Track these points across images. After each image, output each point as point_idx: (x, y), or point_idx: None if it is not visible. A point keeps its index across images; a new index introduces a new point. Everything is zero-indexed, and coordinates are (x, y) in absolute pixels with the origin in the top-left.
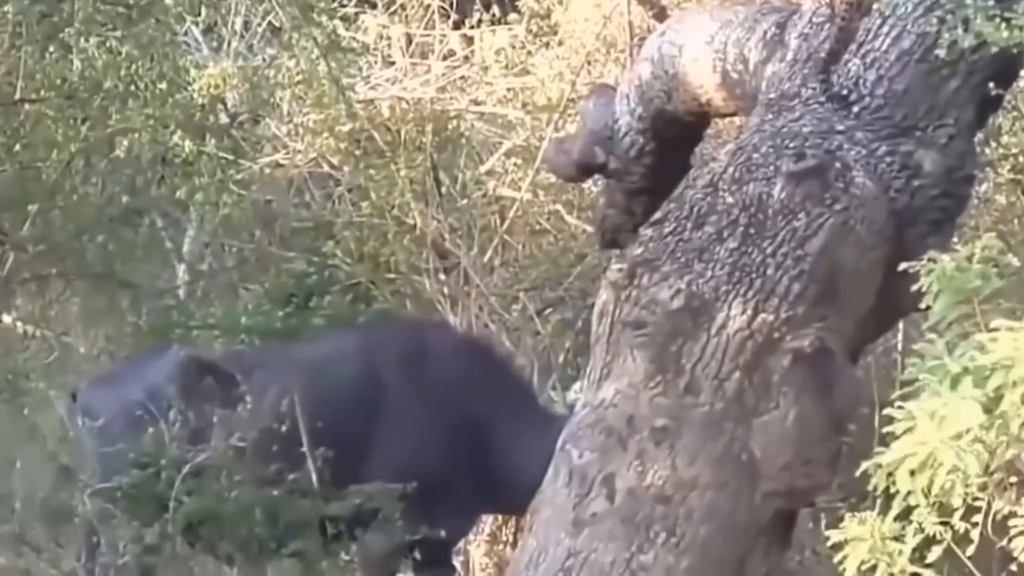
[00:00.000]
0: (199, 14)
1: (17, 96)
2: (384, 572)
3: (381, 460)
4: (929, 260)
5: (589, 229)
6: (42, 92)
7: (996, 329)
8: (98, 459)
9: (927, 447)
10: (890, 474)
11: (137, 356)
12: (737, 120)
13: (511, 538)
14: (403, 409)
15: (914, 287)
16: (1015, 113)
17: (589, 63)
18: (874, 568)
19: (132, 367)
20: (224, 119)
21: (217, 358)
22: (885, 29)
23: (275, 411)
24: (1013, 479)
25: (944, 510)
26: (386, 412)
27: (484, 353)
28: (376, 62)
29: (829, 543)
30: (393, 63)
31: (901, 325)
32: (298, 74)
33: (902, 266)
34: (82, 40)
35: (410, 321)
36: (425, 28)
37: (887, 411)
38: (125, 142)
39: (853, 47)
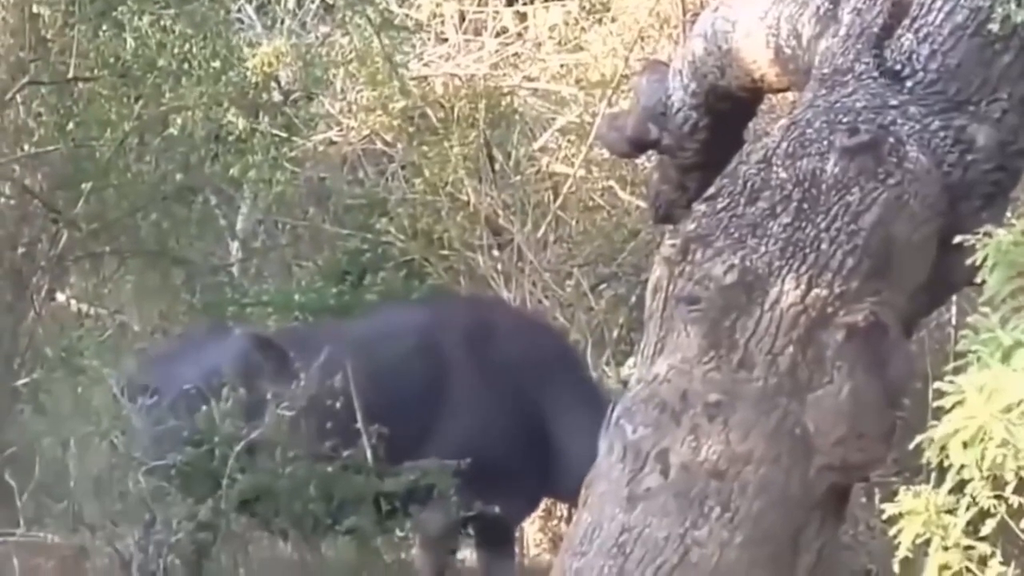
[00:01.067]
0: None
1: (71, 75)
2: (442, 549)
3: (445, 437)
4: (985, 234)
5: (642, 205)
6: (95, 71)
7: None
8: (164, 438)
9: (976, 421)
10: (943, 448)
11: (197, 334)
12: (790, 95)
13: (565, 513)
14: (467, 387)
15: (968, 261)
16: None
17: (642, 39)
18: (928, 542)
19: (194, 345)
20: (277, 97)
21: (280, 335)
22: (938, 3)
23: (337, 387)
24: None
25: (998, 483)
26: (450, 390)
27: (548, 333)
28: (429, 39)
29: (884, 517)
30: (446, 40)
31: (954, 299)
32: (351, 51)
33: (957, 239)
34: (135, 19)
35: (474, 298)
36: (478, 5)
37: (938, 385)
38: (179, 120)
39: (906, 22)
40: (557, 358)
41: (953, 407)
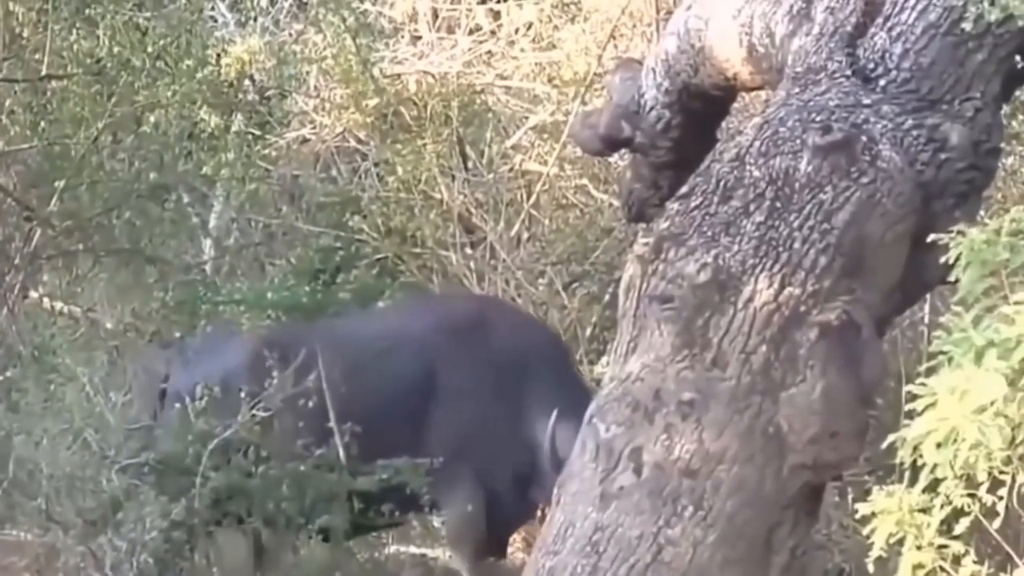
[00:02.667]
0: None
1: (44, 72)
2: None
3: (440, 438)
4: (958, 232)
5: (615, 203)
6: (69, 68)
7: (1022, 302)
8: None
9: (949, 422)
10: (916, 447)
11: (204, 338)
12: (763, 94)
13: (539, 513)
14: (464, 389)
15: (941, 260)
16: None
17: (615, 37)
18: (902, 541)
19: (202, 351)
20: (251, 95)
21: (281, 335)
22: (911, 2)
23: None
24: None
25: (971, 482)
26: (450, 388)
27: (544, 335)
28: (403, 37)
29: (857, 516)
30: (420, 38)
31: (928, 298)
32: (325, 49)
33: (931, 237)
34: (109, 17)
35: (476, 297)
36: (451, 3)
37: (910, 387)
38: (152, 118)
39: (879, 20)
40: (552, 357)
41: (926, 409)
